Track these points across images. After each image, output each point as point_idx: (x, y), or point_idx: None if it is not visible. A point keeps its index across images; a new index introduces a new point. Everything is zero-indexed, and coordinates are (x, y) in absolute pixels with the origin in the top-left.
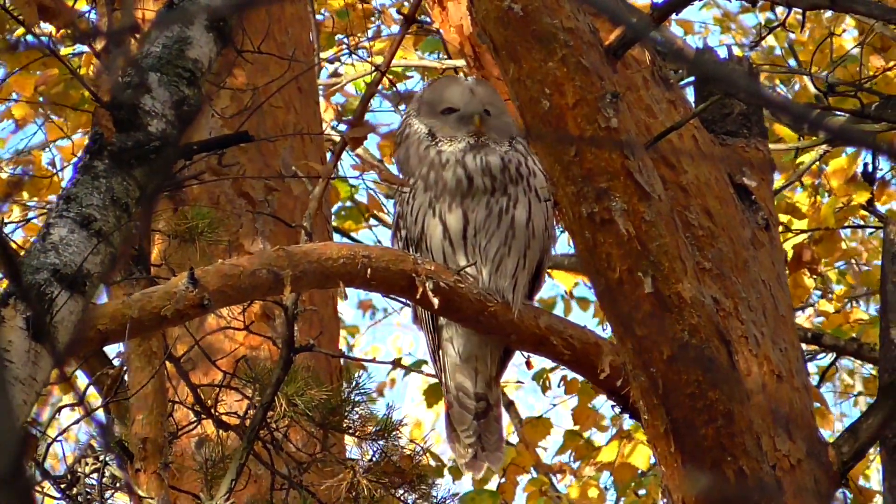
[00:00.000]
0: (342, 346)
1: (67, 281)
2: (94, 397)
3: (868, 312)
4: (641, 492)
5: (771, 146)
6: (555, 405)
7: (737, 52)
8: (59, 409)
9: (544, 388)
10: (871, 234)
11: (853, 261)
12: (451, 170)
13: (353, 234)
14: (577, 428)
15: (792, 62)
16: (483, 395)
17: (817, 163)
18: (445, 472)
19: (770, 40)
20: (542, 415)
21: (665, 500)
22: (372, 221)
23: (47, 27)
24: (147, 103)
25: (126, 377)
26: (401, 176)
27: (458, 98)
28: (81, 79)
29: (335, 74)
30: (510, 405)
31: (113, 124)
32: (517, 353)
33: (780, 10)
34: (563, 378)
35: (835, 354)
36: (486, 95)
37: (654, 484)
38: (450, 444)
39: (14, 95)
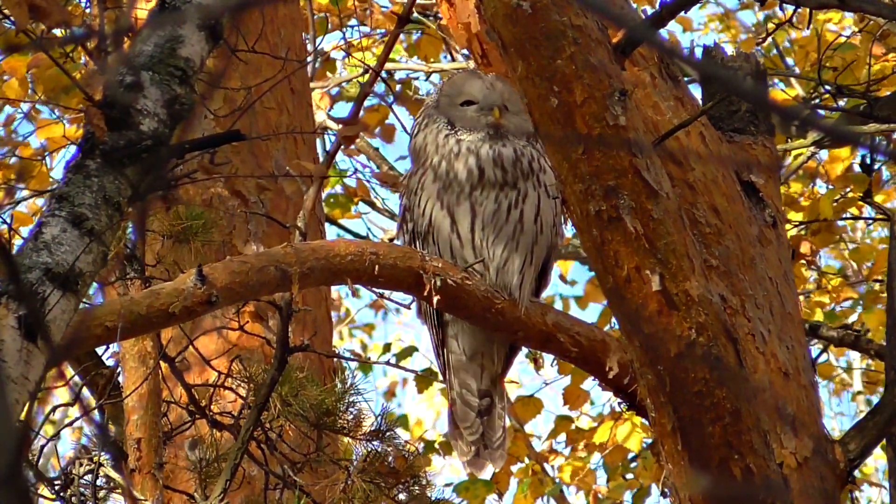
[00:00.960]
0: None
1: (60, 280)
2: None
3: (858, 291)
4: (629, 476)
5: None
6: (547, 383)
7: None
8: (54, 409)
9: (537, 367)
10: (869, 226)
11: (842, 237)
12: (464, 159)
13: (341, 222)
14: (567, 408)
15: (790, 61)
16: (487, 391)
17: (813, 153)
18: (436, 446)
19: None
20: (533, 394)
21: (672, 498)
22: (362, 209)
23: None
24: (139, 102)
25: (120, 378)
26: (412, 165)
27: (478, 91)
28: (74, 78)
29: (327, 59)
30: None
31: (105, 123)
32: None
33: (778, 9)
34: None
35: (828, 344)
36: (506, 91)
37: (643, 467)
38: (452, 442)
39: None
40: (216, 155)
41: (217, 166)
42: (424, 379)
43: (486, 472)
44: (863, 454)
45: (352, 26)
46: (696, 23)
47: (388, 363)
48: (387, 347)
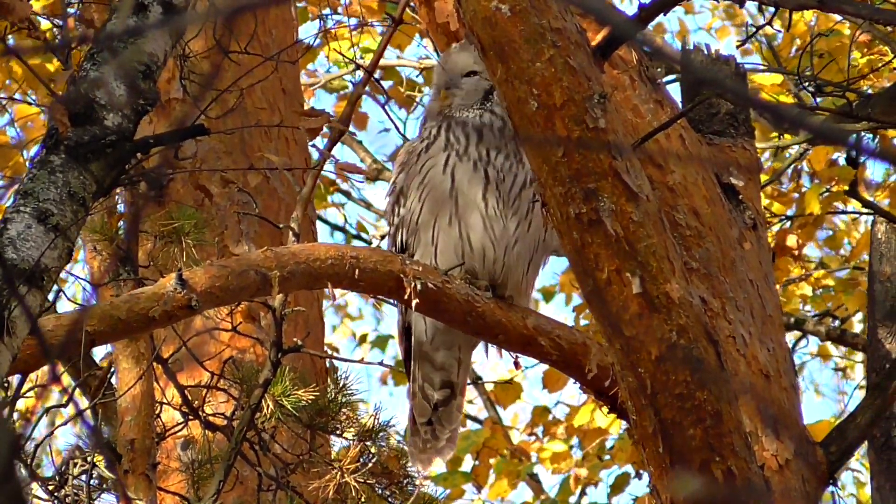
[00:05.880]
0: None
1: (25, 276)
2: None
3: (835, 277)
4: (606, 458)
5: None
6: (526, 368)
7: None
8: (48, 410)
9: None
10: (854, 219)
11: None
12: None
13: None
14: (547, 391)
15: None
16: (449, 382)
17: (806, 150)
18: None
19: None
20: (512, 378)
21: (654, 500)
22: (339, 199)
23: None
24: (103, 97)
25: (113, 379)
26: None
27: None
28: (37, 74)
29: (309, 49)
30: (477, 381)
31: (69, 119)
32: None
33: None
34: None
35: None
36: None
37: (620, 449)
38: (410, 439)
39: None
40: (180, 149)
41: (181, 161)
42: (401, 373)
43: (435, 466)
44: (844, 456)
45: (328, 15)
46: (698, 6)
47: (381, 363)
48: (363, 339)
